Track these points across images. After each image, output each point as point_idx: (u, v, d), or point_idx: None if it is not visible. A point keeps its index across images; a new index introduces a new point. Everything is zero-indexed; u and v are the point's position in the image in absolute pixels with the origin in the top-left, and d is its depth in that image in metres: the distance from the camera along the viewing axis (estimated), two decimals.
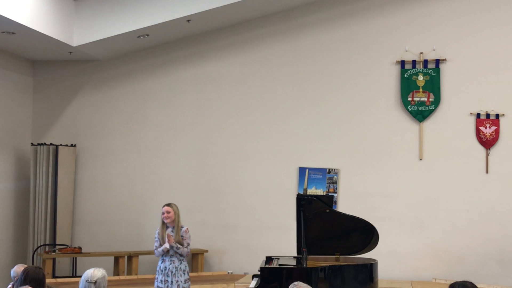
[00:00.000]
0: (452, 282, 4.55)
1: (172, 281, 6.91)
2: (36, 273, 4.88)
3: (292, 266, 6.73)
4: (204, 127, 10.10)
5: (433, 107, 9.35)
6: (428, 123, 9.38)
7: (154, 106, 10.32)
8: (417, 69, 9.40)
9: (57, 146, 10.07)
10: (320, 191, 9.56)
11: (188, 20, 9.20)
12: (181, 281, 6.94)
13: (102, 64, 10.51)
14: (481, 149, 9.19)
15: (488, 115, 9.18)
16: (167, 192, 9.89)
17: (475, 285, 4.40)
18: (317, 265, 6.72)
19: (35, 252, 9.69)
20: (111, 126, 10.44)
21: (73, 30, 9.30)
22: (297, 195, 8.10)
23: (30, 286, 4.68)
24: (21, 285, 4.75)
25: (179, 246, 6.92)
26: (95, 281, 4.48)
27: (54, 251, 9.45)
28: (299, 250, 6.95)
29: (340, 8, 9.73)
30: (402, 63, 9.46)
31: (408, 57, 9.44)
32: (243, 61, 10.04)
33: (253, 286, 6.55)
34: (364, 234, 7.08)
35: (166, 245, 6.90)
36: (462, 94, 9.30)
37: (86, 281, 4.48)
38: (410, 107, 9.39)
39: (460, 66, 9.31)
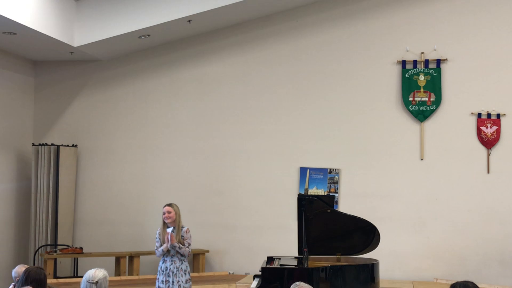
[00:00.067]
0: (453, 282, 4.54)
1: (173, 281, 6.91)
2: (37, 273, 4.88)
3: (293, 266, 6.73)
4: (205, 127, 10.11)
5: (434, 107, 9.34)
6: (429, 123, 9.37)
7: (155, 106, 10.32)
8: (418, 69, 9.40)
9: (58, 146, 10.08)
10: (321, 191, 9.56)
11: (189, 20, 9.20)
12: (182, 281, 6.94)
13: (103, 64, 10.51)
14: (482, 149, 9.19)
15: (489, 115, 9.18)
16: (168, 192, 9.90)
17: (476, 285, 4.39)
18: (318, 265, 6.72)
19: (37, 253, 9.70)
20: (112, 126, 10.45)
21: (74, 30, 9.31)
22: (298, 195, 8.09)
23: (32, 287, 4.69)
24: (22, 285, 4.75)
25: (181, 246, 6.92)
26: (97, 282, 4.48)
27: (55, 252, 9.46)
28: (300, 250, 6.95)
29: (341, 8, 9.73)
30: (403, 63, 9.45)
31: (409, 57, 9.44)
32: (243, 61, 10.05)
33: (254, 286, 6.55)
34: (365, 234, 7.08)
35: (166, 245, 6.89)
36: (463, 94, 9.29)
37: (88, 281, 4.49)
38: (411, 107, 9.39)
39: (461, 66, 9.30)
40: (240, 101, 10.02)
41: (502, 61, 9.19)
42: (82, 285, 4.52)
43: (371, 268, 6.79)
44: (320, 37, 9.79)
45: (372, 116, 9.55)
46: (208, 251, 9.78)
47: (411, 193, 9.33)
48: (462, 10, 9.35)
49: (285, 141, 9.79)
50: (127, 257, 9.51)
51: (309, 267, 6.58)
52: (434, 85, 9.35)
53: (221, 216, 9.92)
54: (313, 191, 9.59)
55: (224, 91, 10.09)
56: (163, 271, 6.98)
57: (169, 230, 6.95)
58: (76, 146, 10.31)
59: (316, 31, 9.80)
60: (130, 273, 9.41)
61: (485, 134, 9.15)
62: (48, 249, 9.69)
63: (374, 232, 7.02)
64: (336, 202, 9.42)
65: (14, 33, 8.62)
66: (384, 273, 7.48)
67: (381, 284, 7.07)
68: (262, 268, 6.58)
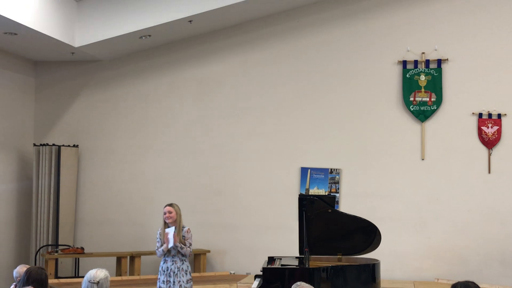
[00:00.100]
0: (454, 282, 4.54)
1: (174, 282, 6.91)
2: (38, 273, 4.89)
3: (295, 266, 6.73)
4: (206, 127, 10.11)
5: (435, 107, 9.34)
6: (430, 123, 9.37)
7: (156, 106, 10.33)
8: (419, 69, 9.40)
9: (59, 146, 10.08)
10: (322, 191, 9.56)
11: (190, 21, 9.21)
12: (183, 281, 6.94)
13: (104, 64, 10.52)
14: (483, 149, 9.18)
15: (490, 115, 9.18)
16: (169, 192, 9.90)
17: (477, 285, 4.39)
18: (320, 265, 6.72)
19: (38, 253, 9.71)
20: (113, 126, 10.45)
21: (75, 30, 9.32)
22: (299, 195, 8.09)
23: (33, 287, 4.69)
24: (23, 285, 4.76)
25: (182, 246, 6.92)
26: (98, 282, 4.48)
27: (56, 252, 9.46)
28: (301, 250, 6.94)
29: (341, 8, 9.73)
30: (404, 63, 9.45)
31: (410, 57, 9.44)
32: (244, 61, 10.05)
33: (255, 286, 6.55)
34: (366, 234, 7.08)
35: (169, 244, 6.88)
36: (464, 94, 9.29)
37: (89, 281, 4.49)
38: (412, 107, 9.39)
39: (462, 66, 9.30)
40: (241, 101, 10.03)
41: (503, 61, 9.18)
42: (84, 285, 4.53)
43: (372, 268, 6.80)
44: (321, 37, 9.79)
45: (373, 116, 9.55)
46: (209, 251, 9.79)
47: (412, 193, 9.33)
48: (462, 10, 9.35)
49: (286, 141, 9.79)
50: (128, 257, 9.52)
51: (310, 267, 6.58)
52: (435, 85, 9.35)
53: (222, 216, 9.92)
54: (314, 191, 9.59)
55: (225, 91, 10.10)
56: (164, 271, 6.98)
57: (168, 230, 6.92)
58: (77, 146, 10.32)
59: (316, 31, 9.80)
60: (131, 273, 9.42)
61: (486, 134, 9.15)
62: (49, 249, 9.70)
63: (375, 232, 7.02)
64: (337, 202, 9.42)
65: (15, 34, 8.62)
66: (385, 273, 7.47)
67: (382, 284, 7.07)
68: (263, 268, 6.58)
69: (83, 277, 4.64)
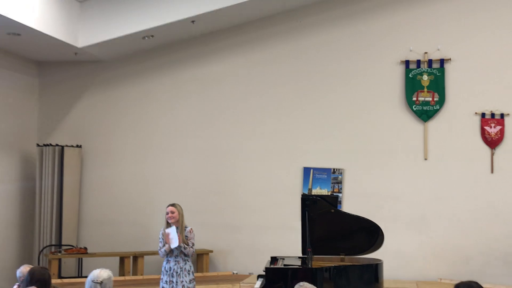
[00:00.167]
0: (457, 282, 4.54)
1: (177, 282, 6.91)
2: (42, 273, 4.90)
3: (297, 267, 6.74)
4: (208, 128, 10.12)
5: (437, 107, 9.34)
6: (433, 123, 9.37)
7: (158, 106, 10.34)
8: (422, 68, 9.40)
9: (62, 147, 10.10)
10: (324, 191, 9.56)
11: (193, 21, 9.22)
12: (186, 281, 6.94)
13: (107, 65, 10.53)
14: (486, 149, 9.18)
15: (493, 115, 9.17)
16: (172, 192, 9.90)
17: (480, 285, 4.39)
18: (322, 265, 6.73)
19: (41, 253, 9.72)
20: (116, 126, 10.47)
21: (78, 31, 9.33)
22: (302, 195, 8.11)
23: (36, 287, 4.70)
24: (27, 285, 4.77)
25: (185, 246, 6.93)
26: (101, 282, 4.49)
27: (60, 252, 9.49)
28: (304, 250, 6.95)
29: (343, 8, 9.73)
30: (407, 62, 9.45)
31: (413, 57, 9.43)
32: (247, 62, 10.06)
33: (258, 286, 6.55)
34: (369, 234, 7.08)
35: (171, 245, 6.88)
36: (467, 94, 9.28)
37: (92, 281, 4.50)
38: (414, 107, 9.39)
39: (465, 66, 9.30)
40: (243, 101, 10.03)
41: (506, 60, 9.18)
42: (87, 285, 4.54)
43: (375, 268, 6.80)
44: (323, 37, 9.80)
45: (375, 116, 9.55)
46: (212, 251, 9.79)
47: (415, 193, 9.33)
48: (465, 10, 9.34)
49: (289, 141, 9.80)
50: (131, 257, 9.53)
51: (313, 267, 6.58)
52: (438, 85, 9.34)
53: (225, 217, 9.93)
54: (316, 191, 9.59)
55: (227, 91, 10.10)
56: (166, 271, 6.98)
57: (169, 230, 6.90)
58: (80, 146, 10.34)
59: (318, 31, 9.80)
60: (134, 273, 9.43)
61: (489, 134, 9.14)
62: (53, 249, 9.72)
63: (378, 232, 7.02)
64: (340, 202, 9.42)
65: (19, 34, 8.64)
66: (388, 273, 7.47)
67: (385, 284, 7.07)
68: (266, 268, 6.59)
69: (86, 277, 4.65)
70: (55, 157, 10.04)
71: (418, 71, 9.41)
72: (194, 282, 7.09)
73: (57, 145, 10.13)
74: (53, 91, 10.69)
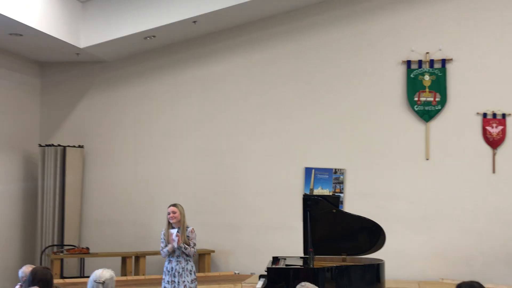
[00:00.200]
0: (459, 282, 4.55)
1: (179, 282, 6.92)
2: (44, 273, 4.92)
3: (299, 267, 6.74)
4: (210, 128, 10.13)
5: (439, 107, 9.34)
6: (435, 123, 9.37)
7: (160, 106, 10.35)
8: (423, 69, 9.40)
9: (64, 147, 10.12)
10: (326, 191, 9.57)
11: (194, 21, 9.23)
12: (187, 281, 6.95)
13: (109, 65, 10.55)
14: (487, 149, 9.18)
15: (494, 115, 9.17)
16: (173, 192, 9.91)
17: (482, 285, 4.40)
18: (324, 265, 6.73)
19: (43, 253, 9.74)
20: (118, 127, 10.48)
21: (80, 31, 9.35)
22: (304, 195, 8.11)
23: (38, 287, 4.72)
24: (29, 285, 4.79)
25: (186, 246, 6.94)
26: (103, 282, 4.51)
27: (62, 252, 9.50)
28: (305, 251, 6.96)
29: (345, 9, 9.73)
30: (408, 63, 9.45)
31: (414, 57, 9.43)
32: (248, 62, 10.06)
33: (260, 286, 6.56)
34: (371, 234, 7.08)
35: (174, 245, 6.89)
36: (469, 94, 9.28)
37: (95, 281, 4.52)
38: (416, 107, 9.39)
39: (467, 66, 9.29)
40: (245, 101, 10.04)
41: (507, 60, 9.17)
42: (89, 285, 4.55)
43: (376, 268, 6.80)
44: (324, 38, 9.80)
45: (377, 116, 9.55)
46: (213, 251, 9.80)
47: (417, 193, 9.33)
48: (467, 10, 9.34)
49: (290, 141, 9.80)
50: (133, 257, 9.54)
51: (314, 267, 6.59)
52: (439, 85, 9.34)
53: (227, 217, 9.93)
54: (318, 191, 9.59)
55: (228, 91, 10.11)
56: (168, 271, 6.99)
57: (173, 231, 6.94)
58: (82, 146, 10.35)
59: (319, 32, 9.80)
60: (136, 273, 9.44)
61: (491, 134, 9.14)
62: (55, 249, 9.73)
63: (379, 232, 7.02)
64: (342, 202, 9.42)
65: (21, 35, 8.65)
66: (389, 273, 7.47)
67: (386, 284, 7.08)
68: (268, 268, 6.60)
69: (88, 277, 4.67)
70: (57, 157, 10.05)
71: (419, 71, 9.41)
72: (196, 282, 7.10)
73: (59, 145, 10.15)
74: (55, 92, 10.71)
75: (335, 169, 9.61)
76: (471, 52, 9.29)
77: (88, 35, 9.37)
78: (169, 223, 7.03)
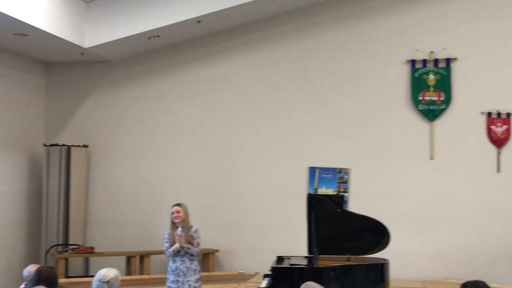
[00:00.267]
0: (463, 281, 4.54)
1: (183, 281, 6.93)
2: (49, 273, 4.93)
3: (304, 266, 6.74)
4: (214, 127, 10.14)
5: (444, 106, 9.32)
6: (439, 123, 9.36)
7: (165, 106, 10.36)
8: (428, 68, 9.38)
9: (69, 147, 10.13)
10: (330, 191, 9.56)
11: (198, 21, 9.23)
12: (192, 281, 6.96)
13: (113, 65, 10.57)
14: (492, 148, 9.16)
15: (499, 114, 9.15)
16: (178, 192, 9.91)
17: (487, 285, 4.39)
18: (328, 265, 6.73)
19: (48, 252, 9.75)
20: (123, 126, 10.50)
21: (85, 31, 9.36)
22: (308, 194, 8.09)
23: (43, 286, 4.73)
24: (34, 285, 4.79)
25: (189, 246, 6.94)
26: (108, 281, 4.52)
27: (66, 251, 9.52)
28: (310, 250, 6.95)
29: (349, 8, 9.73)
30: (413, 62, 9.44)
31: (419, 56, 9.42)
32: (252, 61, 10.06)
33: (264, 285, 6.56)
34: (375, 234, 7.07)
35: (177, 245, 6.91)
36: (473, 93, 9.26)
37: (99, 280, 4.52)
38: (420, 106, 9.37)
39: (471, 65, 9.28)
40: (249, 101, 10.04)
41: None
42: (94, 284, 4.56)
43: (381, 268, 6.79)
44: (329, 37, 9.79)
45: (381, 115, 9.54)
46: (218, 251, 9.81)
47: (421, 192, 9.32)
48: (471, 9, 9.32)
49: (294, 140, 9.80)
50: (138, 256, 9.56)
51: (319, 266, 6.58)
52: (444, 84, 9.33)
53: (231, 216, 9.94)
54: (322, 190, 9.59)
55: (233, 90, 10.11)
56: (173, 271, 7.00)
57: (179, 230, 6.95)
58: (87, 146, 10.37)
59: (324, 31, 9.80)
60: (141, 273, 9.46)
61: (495, 133, 9.12)
62: (60, 248, 9.75)
63: (384, 231, 7.01)
64: (346, 202, 9.42)
65: (25, 35, 8.67)
66: (393, 272, 7.45)
67: (391, 284, 7.06)
68: (272, 267, 6.59)
69: (93, 276, 4.68)
70: (62, 157, 10.07)
71: (424, 70, 9.39)
72: (200, 282, 7.11)
73: (63, 145, 10.17)
74: (59, 91, 10.73)
75: (340, 169, 9.61)
76: (475, 51, 9.27)
77: (92, 35, 9.39)
78: (173, 222, 7.03)
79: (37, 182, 10.27)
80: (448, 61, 9.32)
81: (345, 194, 9.50)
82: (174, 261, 7.01)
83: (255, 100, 10.02)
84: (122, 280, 4.85)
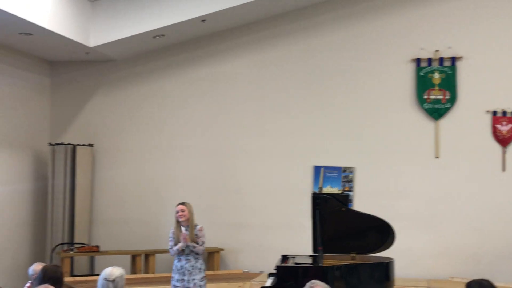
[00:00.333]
0: (468, 280, 4.53)
1: (188, 280, 6.94)
2: (54, 271, 4.94)
3: (308, 265, 6.74)
4: (219, 127, 10.14)
5: (449, 105, 9.30)
6: (444, 121, 9.34)
7: (169, 105, 10.37)
8: (433, 67, 9.36)
9: (74, 146, 10.15)
10: (335, 190, 9.55)
11: (203, 20, 9.24)
12: (197, 279, 6.97)
13: (118, 64, 10.58)
14: (497, 147, 9.13)
15: (504, 113, 9.12)
16: (183, 191, 9.92)
17: (492, 283, 4.39)
18: (333, 263, 6.72)
19: (53, 251, 9.78)
20: (128, 125, 10.51)
21: (90, 30, 9.38)
22: (313, 193, 8.08)
23: (49, 285, 4.74)
24: (39, 283, 4.80)
25: (194, 244, 6.95)
26: (114, 280, 4.53)
27: (72, 250, 9.54)
28: (315, 249, 6.95)
29: (354, 7, 9.71)
30: (418, 61, 9.42)
31: (424, 55, 9.40)
32: (257, 61, 10.06)
33: (269, 284, 6.56)
34: (380, 232, 7.05)
35: (181, 244, 6.92)
36: (478, 92, 9.24)
37: (105, 279, 4.54)
38: (426, 105, 9.36)
39: (476, 64, 9.25)
40: (254, 100, 10.04)
41: None
42: (99, 283, 4.57)
43: (386, 267, 6.78)
44: (334, 36, 9.78)
45: (386, 114, 9.53)
46: (223, 250, 9.81)
47: (426, 191, 9.30)
48: (476, 7, 9.29)
49: (299, 139, 9.80)
50: (143, 255, 9.57)
51: (324, 265, 6.58)
52: (449, 83, 9.31)
53: (236, 215, 9.94)
54: (327, 189, 9.58)
55: (238, 90, 10.11)
56: (178, 270, 7.01)
57: (183, 231, 6.96)
58: (92, 145, 10.39)
59: (329, 30, 9.79)
60: (146, 271, 9.48)
61: (501, 132, 9.10)
62: (65, 247, 9.77)
63: (389, 230, 7.00)
64: (351, 201, 9.41)
65: (30, 34, 8.69)
66: (398, 271, 7.44)
67: (396, 283, 7.05)
68: (277, 266, 6.59)
69: (98, 275, 4.69)
70: (67, 156, 10.09)
71: (429, 69, 9.38)
72: (205, 280, 7.12)
73: (69, 144, 10.19)
74: (64, 90, 10.75)
75: (344, 168, 9.60)
76: (481, 50, 9.25)
77: (97, 34, 9.41)
78: (177, 221, 7.04)
79: (42, 181, 10.29)
80: (453, 59, 9.29)
81: (350, 193, 9.49)
82: (179, 259, 7.02)
83: (261, 99, 10.01)
84: (127, 279, 4.86)
